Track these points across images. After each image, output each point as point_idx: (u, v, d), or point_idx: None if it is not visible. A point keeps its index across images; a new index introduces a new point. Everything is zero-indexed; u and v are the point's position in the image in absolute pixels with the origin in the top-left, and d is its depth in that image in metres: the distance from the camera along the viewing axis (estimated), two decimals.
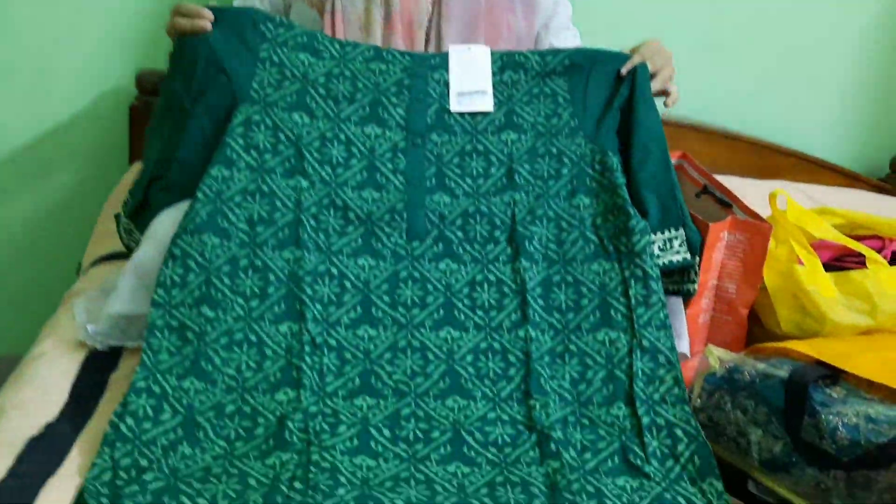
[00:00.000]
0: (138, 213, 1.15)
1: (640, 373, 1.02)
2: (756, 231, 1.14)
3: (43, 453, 0.86)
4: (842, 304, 1.12)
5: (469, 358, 1.02)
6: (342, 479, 0.88)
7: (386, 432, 0.96)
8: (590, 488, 0.91)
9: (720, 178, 1.60)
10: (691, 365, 1.20)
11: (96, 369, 1.02)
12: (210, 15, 1.11)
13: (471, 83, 1.16)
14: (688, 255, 1.12)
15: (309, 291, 1.02)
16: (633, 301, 1.05)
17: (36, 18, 1.62)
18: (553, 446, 0.94)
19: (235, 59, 1.10)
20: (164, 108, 1.15)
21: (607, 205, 1.11)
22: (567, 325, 1.06)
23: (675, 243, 1.13)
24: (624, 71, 1.17)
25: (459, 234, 1.09)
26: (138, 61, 1.65)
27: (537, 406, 0.98)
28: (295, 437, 0.92)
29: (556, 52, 1.20)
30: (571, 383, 1.02)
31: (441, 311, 1.05)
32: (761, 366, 0.99)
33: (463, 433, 0.96)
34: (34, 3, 1.61)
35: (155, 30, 1.65)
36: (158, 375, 0.95)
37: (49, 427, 0.91)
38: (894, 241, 1.23)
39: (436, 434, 0.96)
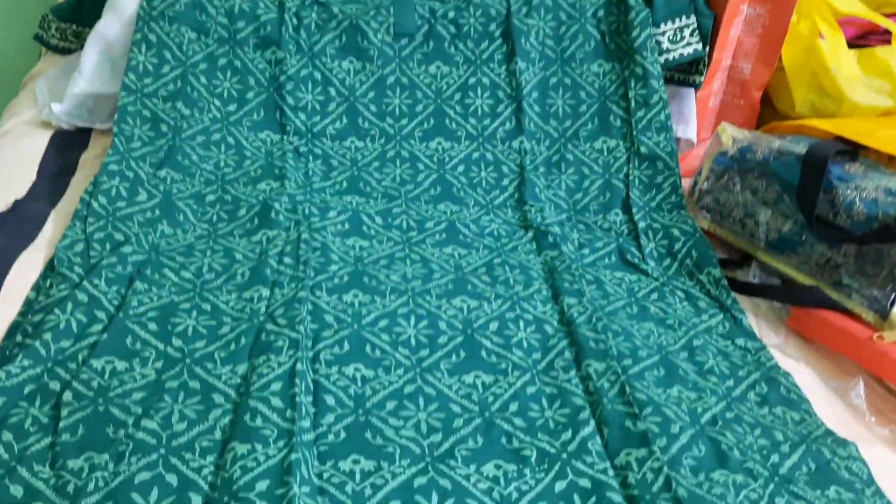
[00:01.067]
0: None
1: (636, 181, 0.99)
2: (780, 2, 1.04)
3: (13, 229, 0.81)
4: (862, 84, 1.05)
5: (461, 168, 0.99)
6: (334, 258, 0.85)
7: (378, 220, 0.92)
8: (588, 276, 0.88)
9: None
10: (696, 153, 1.15)
11: (65, 149, 0.96)
12: None
13: None
14: (699, 46, 1.05)
15: (290, 100, 0.97)
16: (632, 104, 1.00)
17: None
18: (551, 239, 0.91)
19: None
20: None
21: None
22: (564, 134, 1.01)
23: (686, 33, 1.05)
24: None
25: (451, 28, 1.01)
26: None
27: (532, 210, 0.95)
28: (281, 217, 0.87)
29: None
30: (567, 192, 0.99)
31: (431, 120, 1.00)
32: (777, 143, 0.93)
33: (458, 225, 0.93)
34: None
35: None
36: (132, 161, 0.90)
37: (18, 203, 0.85)
38: None
39: (429, 224, 0.93)
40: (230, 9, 0.97)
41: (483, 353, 0.75)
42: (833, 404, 0.75)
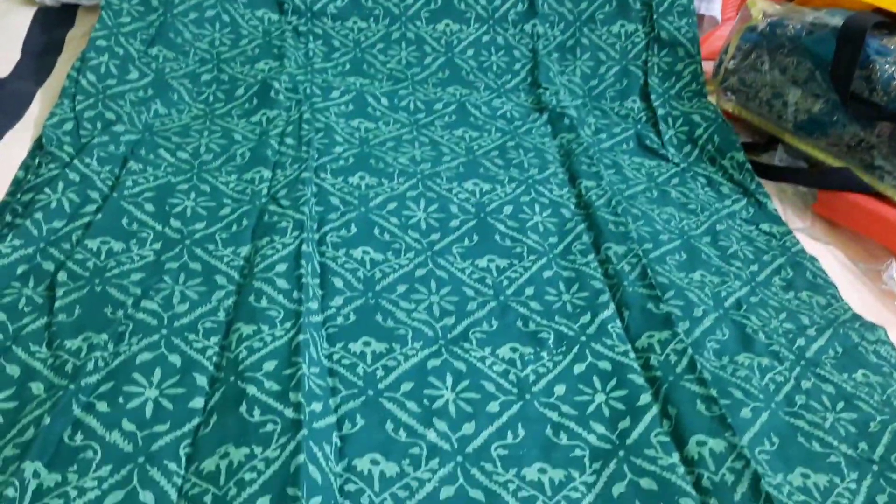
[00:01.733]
0: None
1: (655, 68, 0.95)
2: None
3: None
4: None
5: (470, 52, 0.94)
6: (338, 139, 0.81)
7: (384, 101, 0.88)
8: (606, 161, 0.84)
9: None
10: (720, 34, 1.08)
11: (49, 26, 0.90)
12: None
13: None
14: None
15: None
16: None
17: None
18: (567, 122, 0.87)
19: None
20: None
21: None
22: (580, 17, 0.96)
23: None
24: None
25: None
26: None
27: (547, 93, 0.91)
28: (282, 96, 0.83)
29: None
30: (582, 78, 0.95)
31: (438, 2, 0.95)
32: (810, 16, 0.87)
33: (469, 107, 0.89)
34: None
35: None
36: (121, 38, 0.85)
37: (2, 82, 0.81)
38: None
39: (439, 106, 0.88)
40: None
41: (497, 237, 0.71)
42: (860, 289, 0.72)
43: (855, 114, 0.81)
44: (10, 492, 0.44)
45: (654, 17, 0.95)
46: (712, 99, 0.95)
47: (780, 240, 0.77)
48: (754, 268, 0.72)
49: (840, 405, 0.59)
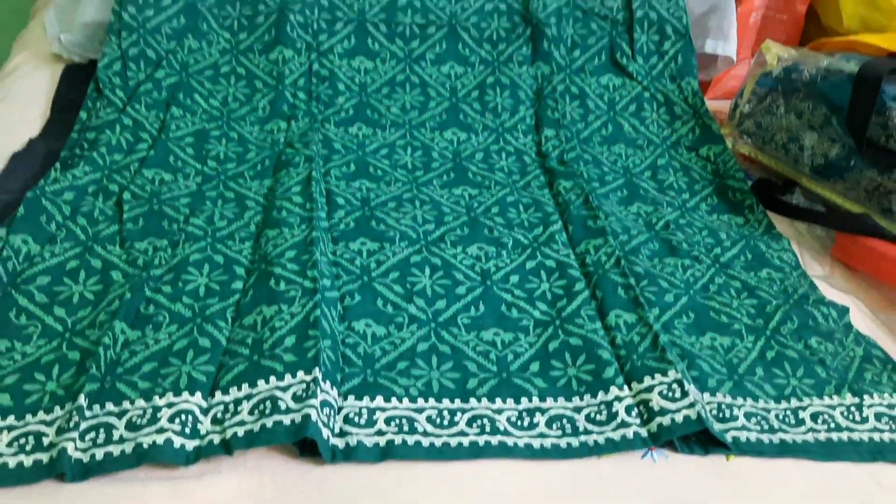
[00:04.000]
0: None
1: None
2: None
3: (28, 168, 0.78)
4: None
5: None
6: (340, 87, 0.93)
7: (383, 28, 0.97)
8: (573, 89, 0.97)
9: None
10: (734, 73, 1.09)
11: (76, 83, 0.92)
12: None
13: None
14: None
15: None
16: None
17: None
18: (546, 45, 0.97)
19: None
20: None
21: None
22: None
23: None
24: None
25: None
26: None
27: None
28: (295, 34, 0.94)
29: None
30: None
31: None
32: (825, 62, 0.88)
33: (459, 30, 0.98)
34: None
35: None
36: None
37: (33, 142, 0.83)
38: None
39: (431, 30, 0.98)
40: None
41: (469, 175, 0.87)
42: (882, 339, 0.72)
43: (871, 160, 0.82)
44: (106, 340, 0.59)
45: None
46: (729, 142, 0.95)
47: (714, 161, 0.92)
48: (685, 196, 0.88)
49: (745, 294, 0.74)
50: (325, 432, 0.54)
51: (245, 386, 0.56)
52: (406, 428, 0.56)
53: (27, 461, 0.51)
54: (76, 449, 0.51)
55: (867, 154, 0.82)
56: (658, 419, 0.58)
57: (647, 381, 0.60)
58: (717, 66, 1.07)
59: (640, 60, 0.98)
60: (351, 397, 0.59)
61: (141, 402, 0.55)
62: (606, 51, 0.99)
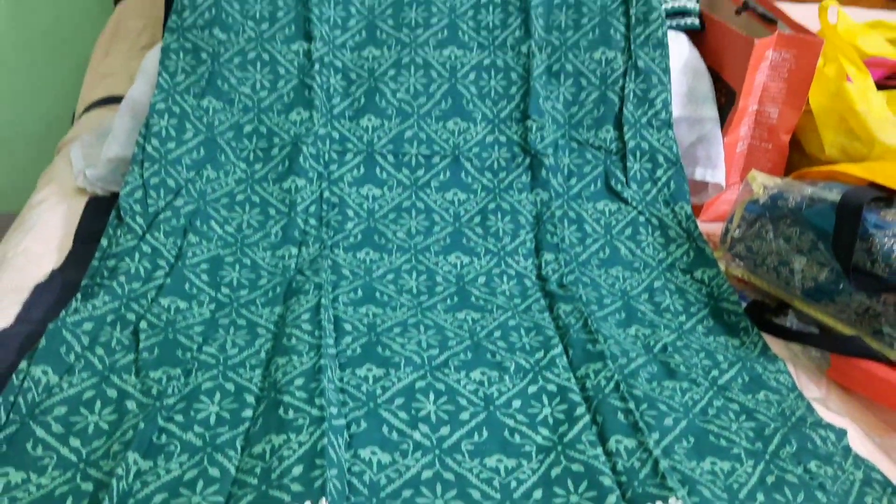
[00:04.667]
0: None
1: (631, 94, 1.06)
2: (805, 47, 1.04)
3: (50, 299, 0.82)
4: (893, 125, 1.04)
5: (472, 76, 1.05)
6: (349, 213, 0.97)
7: (390, 158, 1.01)
8: (571, 214, 1.01)
9: None
10: (725, 198, 1.14)
11: (99, 215, 0.97)
12: None
13: None
14: (696, 20, 1.14)
15: (316, 11, 1.04)
16: (632, 20, 1.07)
17: None
18: (544, 173, 1.01)
19: None
20: None
21: None
22: (565, 43, 1.08)
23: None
24: None
25: None
26: None
27: (534, 128, 1.03)
28: (308, 164, 0.98)
29: None
30: (564, 105, 1.07)
31: (445, 32, 1.06)
32: (809, 190, 0.92)
33: (462, 160, 1.02)
34: None
35: None
36: (177, 96, 0.99)
37: (55, 273, 0.86)
38: None
39: (436, 160, 1.02)
40: None
41: (472, 299, 0.90)
42: (880, 462, 0.73)
43: (858, 285, 0.85)
44: (119, 471, 0.60)
45: (633, 46, 1.06)
46: (722, 265, 0.99)
47: (709, 285, 0.95)
48: (682, 318, 0.91)
49: (743, 417, 0.76)
50: None
51: None
52: None
53: None
54: None
55: (854, 279, 0.85)
56: None
57: None
58: (709, 191, 1.12)
59: (635, 187, 1.03)
60: None
61: None
62: (602, 178, 1.04)
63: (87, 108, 1.25)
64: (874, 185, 0.90)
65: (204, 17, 1.01)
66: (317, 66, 1.01)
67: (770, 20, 1.11)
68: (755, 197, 0.97)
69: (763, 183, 0.97)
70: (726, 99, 1.09)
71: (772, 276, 0.96)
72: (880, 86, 1.08)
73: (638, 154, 1.04)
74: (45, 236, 0.94)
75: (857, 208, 0.86)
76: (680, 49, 1.10)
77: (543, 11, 1.07)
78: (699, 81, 1.09)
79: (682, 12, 1.13)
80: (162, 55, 1.00)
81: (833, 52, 1.08)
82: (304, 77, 1.01)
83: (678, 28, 1.13)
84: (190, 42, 1.01)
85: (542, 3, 1.07)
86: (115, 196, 0.99)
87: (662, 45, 1.06)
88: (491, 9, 1.07)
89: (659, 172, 1.04)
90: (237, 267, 0.90)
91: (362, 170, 1.01)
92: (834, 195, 0.89)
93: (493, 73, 1.05)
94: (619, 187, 1.03)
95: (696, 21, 1.13)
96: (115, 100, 1.23)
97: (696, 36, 1.14)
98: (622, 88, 1.05)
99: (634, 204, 1.02)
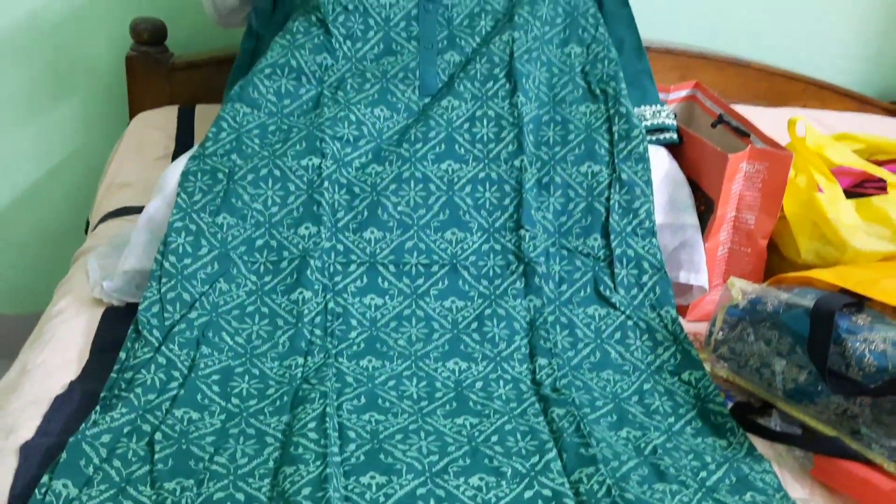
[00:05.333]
0: None
1: (616, 205, 1.11)
2: (776, 160, 1.12)
3: (69, 410, 0.86)
4: (863, 231, 1.11)
5: (468, 188, 1.11)
6: (353, 323, 1.01)
7: (391, 269, 1.06)
8: (563, 319, 1.05)
9: (731, 106, 1.58)
10: (710, 299, 1.20)
11: (115, 325, 1.02)
12: None
13: None
14: (674, 135, 1.23)
15: (329, 132, 1.10)
16: (615, 136, 1.14)
17: None
18: (537, 280, 1.06)
19: None
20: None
21: (597, 54, 1.18)
22: (553, 157, 1.14)
23: (663, 114, 1.23)
24: None
25: (461, 74, 1.15)
26: (132, 10, 1.60)
27: (527, 237, 1.08)
28: (314, 277, 1.03)
29: None
30: (554, 214, 1.12)
31: (442, 146, 1.12)
32: (784, 296, 0.98)
33: (459, 268, 1.07)
34: None
35: None
36: (194, 214, 1.04)
37: (73, 385, 0.91)
38: None
39: (435, 269, 1.07)
40: (277, 90, 1.12)
41: (470, 404, 0.94)
42: None
43: (834, 388, 0.90)
44: None
45: (616, 161, 1.13)
46: (707, 366, 1.04)
47: (696, 386, 1.00)
48: (671, 420, 0.96)
49: None
50: None
51: None
52: None
53: None
54: None
55: (830, 382, 0.90)
56: None
57: None
58: (693, 293, 1.18)
59: (622, 292, 1.09)
60: None
61: None
62: (591, 284, 1.09)
63: (103, 219, 1.31)
64: (845, 291, 0.96)
65: (225, 147, 1.08)
66: (325, 183, 1.07)
67: (743, 133, 1.19)
68: (735, 302, 1.03)
69: (742, 289, 1.02)
70: (705, 207, 1.17)
71: (755, 378, 1.01)
72: (849, 193, 1.15)
73: (624, 261, 1.10)
74: (64, 347, 0.98)
75: (829, 314, 0.92)
76: (661, 161, 1.17)
77: (534, 128, 1.14)
78: (679, 191, 1.17)
79: (662, 129, 1.21)
80: (182, 178, 1.06)
81: (803, 162, 1.16)
82: (312, 192, 1.07)
83: (658, 143, 1.21)
84: (209, 165, 1.07)
85: (533, 120, 1.14)
86: (130, 307, 1.05)
87: (644, 159, 1.13)
88: (485, 122, 1.13)
89: (645, 278, 1.09)
90: (247, 377, 0.94)
91: (365, 280, 1.05)
92: (808, 301, 0.95)
93: (487, 185, 1.11)
94: (607, 293, 1.08)
95: (675, 136, 1.21)
96: (129, 211, 1.30)
97: (676, 148, 1.22)
98: (608, 199, 1.12)
99: (623, 308, 1.07)
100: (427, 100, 1.14)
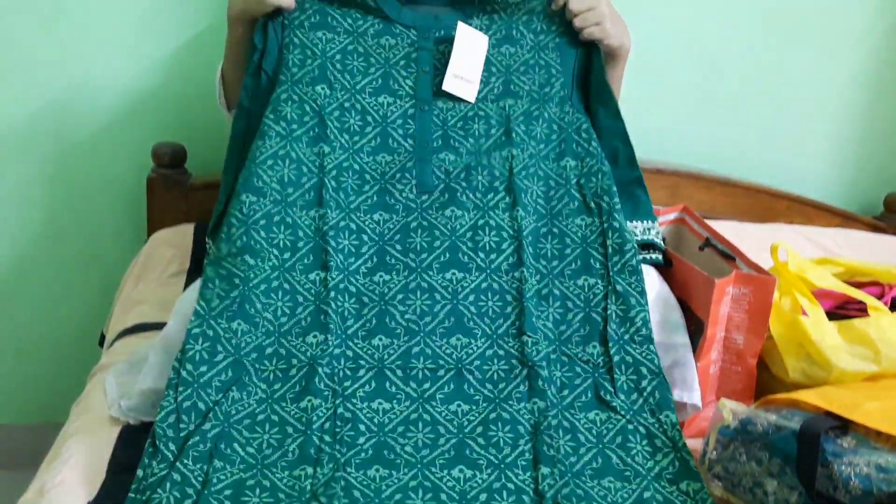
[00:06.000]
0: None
1: (613, 315, 1.16)
2: (760, 284, 1.18)
3: None
4: (846, 352, 1.16)
5: (471, 297, 1.15)
6: (362, 428, 1.04)
7: (399, 373, 1.09)
8: (566, 424, 1.07)
9: (719, 223, 1.68)
10: (704, 416, 1.24)
11: (131, 444, 1.05)
12: None
13: (466, 69, 1.25)
14: (659, 256, 1.29)
15: (333, 243, 1.14)
16: (609, 250, 1.19)
17: (54, 93, 1.69)
18: (541, 383, 1.08)
19: (269, 56, 1.24)
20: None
21: (591, 168, 1.25)
22: (552, 272, 1.19)
23: (652, 232, 1.28)
24: (553, 6, 1.26)
25: (463, 184, 1.21)
26: (154, 135, 1.70)
27: (529, 343, 1.11)
28: (323, 384, 1.06)
29: (548, 29, 1.30)
30: (554, 323, 1.16)
31: (447, 255, 1.17)
32: (773, 417, 1.03)
33: (465, 372, 1.10)
34: (53, 78, 1.68)
35: (168, 105, 1.71)
36: (211, 321, 1.08)
37: None
38: (894, 287, 1.27)
39: (441, 373, 1.10)
40: (280, 178, 1.17)
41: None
42: None
43: None
44: None
45: (611, 274, 1.17)
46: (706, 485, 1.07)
47: (694, 497, 1.00)
48: None
49: None
50: None
51: None
52: None
53: None
54: None
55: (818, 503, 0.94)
56: None
57: None
58: (687, 410, 1.22)
59: (622, 397, 1.12)
60: None
61: None
62: (591, 389, 1.12)
63: (119, 335, 1.37)
64: (830, 414, 1.01)
65: (236, 245, 1.13)
66: (332, 294, 1.12)
67: (729, 257, 1.27)
68: (726, 423, 1.07)
69: (732, 410, 1.07)
70: (696, 327, 1.22)
71: (748, 497, 1.04)
72: (831, 315, 1.21)
73: (623, 367, 1.13)
74: (81, 466, 1.02)
75: (815, 437, 0.96)
76: (652, 283, 1.24)
77: (532, 240, 1.20)
78: (670, 312, 1.22)
79: (650, 244, 1.28)
80: (202, 285, 1.12)
81: (787, 285, 1.22)
82: (320, 303, 1.12)
83: (645, 261, 1.27)
84: (225, 269, 1.12)
85: (532, 233, 1.20)
86: (146, 425, 1.09)
87: (637, 271, 1.19)
88: (487, 230, 1.19)
89: (644, 383, 1.12)
90: (258, 490, 0.97)
91: (373, 385, 1.09)
92: (795, 423, 1.00)
93: (490, 294, 1.16)
94: (608, 397, 1.11)
95: (661, 257, 1.28)
96: (145, 327, 1.36)
97: (666, 271, 1.29)
98: (604, 310, 1.16)
99: (623, 412, 1.10)
100: (424, 197, 1.20)
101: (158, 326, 1.32)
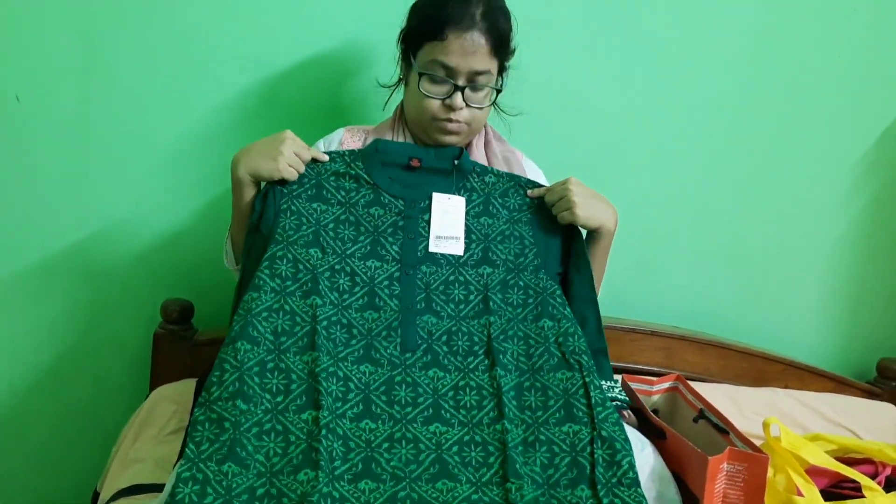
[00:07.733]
0: None
1: (600, 459, 1.17)
2: (754, 461, 1.19)
3: None
4: None
5: (455, 448, 1.18)
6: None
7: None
8: None
9: (714, 385, 1.69)
10: None
11: None
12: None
13: (448, 229, 1.38)
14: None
15: (324, 384, 1.18)
16: (593, 401, 1.23)
17: (69, 250, 1.76)
18: None
19: (265, 218, 1.34)
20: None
21: (567, 329, 1.31)
22: (536, 420, 1.22)
23: (616, 390, 1.36)
24: (529, 194, 1.42)
25: (444, 348, 1.28)
26: (164, 292, 1.76)
27: (513, 489, 1.11)
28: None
29: (520, 207, 1.42)
30: (541, 468, 1.17)
31: (430, 410, 1.21)
32: None
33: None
34: (69, 237, 1.75)
35: (178, 264, 1.78)
36: (200, 464, 1.09)
37: None
38: (887, 466, 1.28)
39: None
40: (274, 328, 1.23)
41: None
42: None
43: None
44: None
45: (596, 421, 1.20)
46: None
47: None
48: None
49: None
50: None
51: None
52: None
53: None
54: None
55: None
56: None
57: None
58: None
59: None
60: None
61: None
62: None
63: (114, 496, 1.36)
64: None
65: (229, 391, 1.16)
66: (323, 431, 1.14)
67: (723, 430, 1.28)
68: None
69: None
70: (691, 503, 1.22)
71: None
72: (826, 494, 1.21)
73: None
74: None
75: None
76: (647, 458, 1.25)
77: (515, 394, 1.24)
78: (667, 488, 1.23)
79: (615, 399, 1.34)
80: (190, 427, 1.14)
81: (781, 462, 1.23)
82: (311, 441, 1.14)
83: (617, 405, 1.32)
84: (216, 413, 1.14)
85: (514, 388, 1.25)
86: None
87: (619, 423, 1.21)
88: (468, 391, 1.24)
89: None
90: None
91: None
92: None
93: (472, 446, 1.19)
94: None
95: (625, 406, 1.36)
96: (141, 489, 1.35)
97: (661, 444, 1.31)
98: (591, 454, 1.18)
99: None
100: (408, 355, 1.27)
101: (155, 488, 1.33)
